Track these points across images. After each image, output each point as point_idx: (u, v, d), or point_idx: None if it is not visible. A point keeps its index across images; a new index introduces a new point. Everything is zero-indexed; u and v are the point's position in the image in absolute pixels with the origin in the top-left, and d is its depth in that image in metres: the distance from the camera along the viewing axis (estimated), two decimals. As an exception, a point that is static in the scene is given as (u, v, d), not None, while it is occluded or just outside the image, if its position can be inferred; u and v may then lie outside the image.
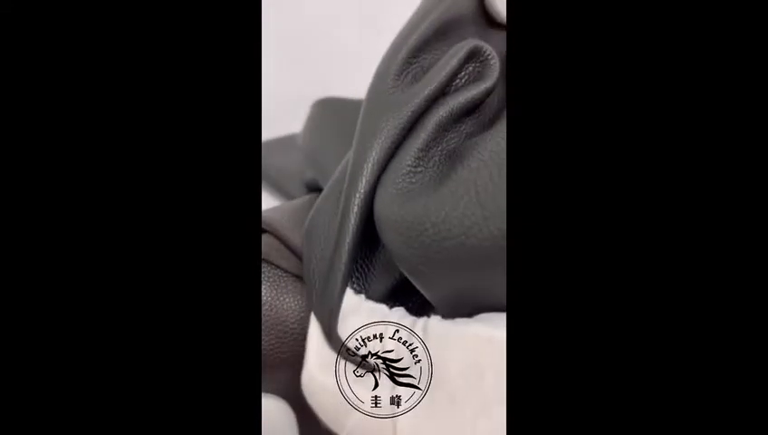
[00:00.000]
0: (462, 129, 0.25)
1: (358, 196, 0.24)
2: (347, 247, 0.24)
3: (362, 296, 0.24)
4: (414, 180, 0.24)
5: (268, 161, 0.42)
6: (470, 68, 0.26)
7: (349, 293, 0.24)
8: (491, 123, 0.26)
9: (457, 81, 0.26)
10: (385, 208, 0.23)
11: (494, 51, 0.26)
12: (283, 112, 0.44)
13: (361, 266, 0.26)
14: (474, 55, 0.26)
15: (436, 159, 0.24)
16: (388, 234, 0.23)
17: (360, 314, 0.23)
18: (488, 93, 0.26)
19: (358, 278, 0.26)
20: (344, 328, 0.23)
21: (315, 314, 0.24)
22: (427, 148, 0.24)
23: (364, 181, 0.24)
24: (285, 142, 0.46)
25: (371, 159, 0.24)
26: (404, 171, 0.24)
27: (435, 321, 0.23)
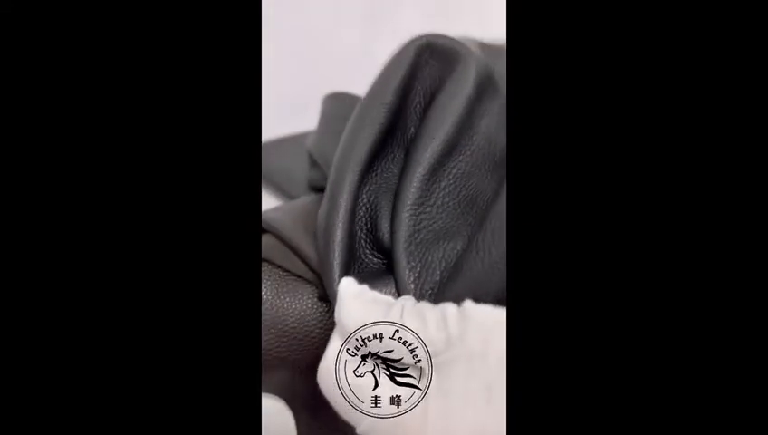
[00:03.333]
0: (457, 166, 0.27)
1: (345, 194, 0.26)
2: (336, 244, 0.25)
3: (365, 287, 0.25)
4: (420, 224, 0.26)
5: (269, 162, 0.42)
6: (427, 65, 0.28)
7: (351, 282, 0.24)
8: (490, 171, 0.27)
9: (418, 78, 0.28)
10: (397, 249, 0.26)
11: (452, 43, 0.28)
12: (283, 112, 0.44)
13: (363, 262, 0.27)
14: (424, 51, 0.28)
15: (439, 203, 0.26)
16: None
17: (364, 302, 0.23)
18: (469, 101, 0.27)
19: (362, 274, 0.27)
20: (348, 317, 0.23)
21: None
22: (428, 181, 0.26)
23: (350, 180, 0.26)
24: (287, 143, 0.46)
25: (356, 157, 0.26)
26: (409, 205, 0.26)
27: (471, 305, 0.22)
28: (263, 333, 0.26)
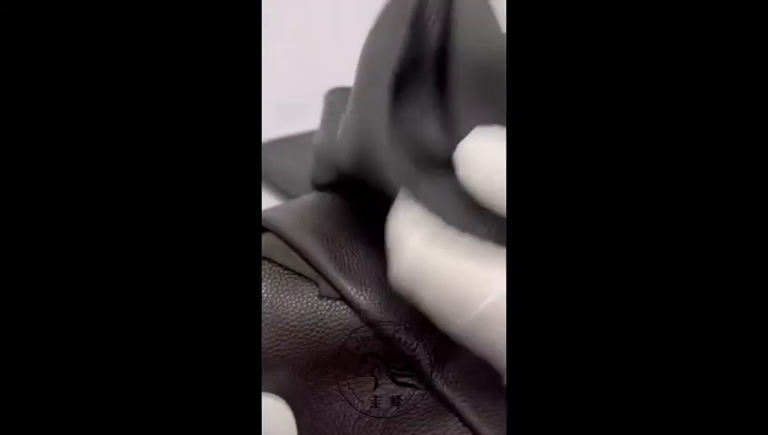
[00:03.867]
0: None
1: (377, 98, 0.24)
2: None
3: None
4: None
5: (269, 162, 0.42)
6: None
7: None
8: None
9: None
10: None
11: None
12: (283, 112, 0.44)
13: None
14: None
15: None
16: None
17: None
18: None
19: None
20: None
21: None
22: None
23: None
24: (287, 143, 0.46)
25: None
26: None
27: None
28: (263, 332, 0.26)
